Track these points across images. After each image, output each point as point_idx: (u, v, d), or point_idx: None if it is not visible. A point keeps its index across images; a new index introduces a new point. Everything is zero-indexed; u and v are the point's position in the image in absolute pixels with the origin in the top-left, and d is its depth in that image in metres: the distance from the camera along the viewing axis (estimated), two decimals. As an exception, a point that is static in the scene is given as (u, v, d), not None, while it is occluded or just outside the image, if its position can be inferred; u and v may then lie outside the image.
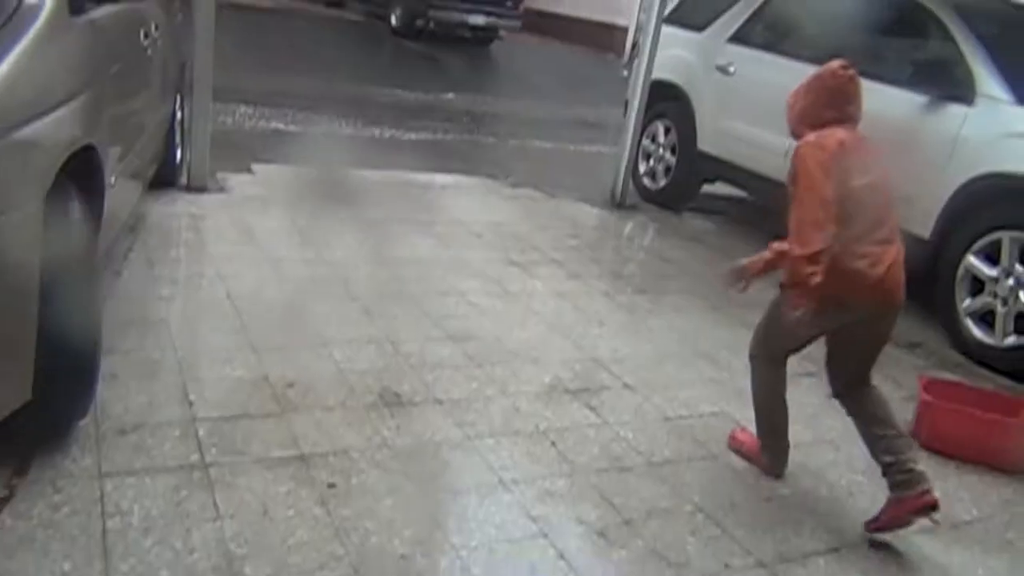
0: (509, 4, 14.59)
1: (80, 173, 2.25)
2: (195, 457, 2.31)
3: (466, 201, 5.50)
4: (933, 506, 2.41)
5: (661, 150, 6.21)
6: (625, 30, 17.26)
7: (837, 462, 2.90)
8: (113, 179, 2.67)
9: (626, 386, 3.21)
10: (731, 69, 5.60)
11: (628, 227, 5.72)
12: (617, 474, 2.60)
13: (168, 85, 4.06)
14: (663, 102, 6.04)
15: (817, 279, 2.31)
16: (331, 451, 2.45)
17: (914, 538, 2.52)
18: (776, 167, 5.15)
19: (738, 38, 5.69)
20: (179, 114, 4.66)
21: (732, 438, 2.89)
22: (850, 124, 2.51)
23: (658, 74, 5.85)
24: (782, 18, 5.59)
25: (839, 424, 3.15)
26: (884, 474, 2.48)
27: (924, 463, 2.91)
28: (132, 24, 3.13)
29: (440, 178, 5.91)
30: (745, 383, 3.34)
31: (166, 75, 3.94)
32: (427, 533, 2.17)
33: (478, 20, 14.21)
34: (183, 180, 4.68)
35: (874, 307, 2.50)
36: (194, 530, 2.03)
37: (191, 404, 2.56)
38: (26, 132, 1.91)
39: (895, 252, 2.46)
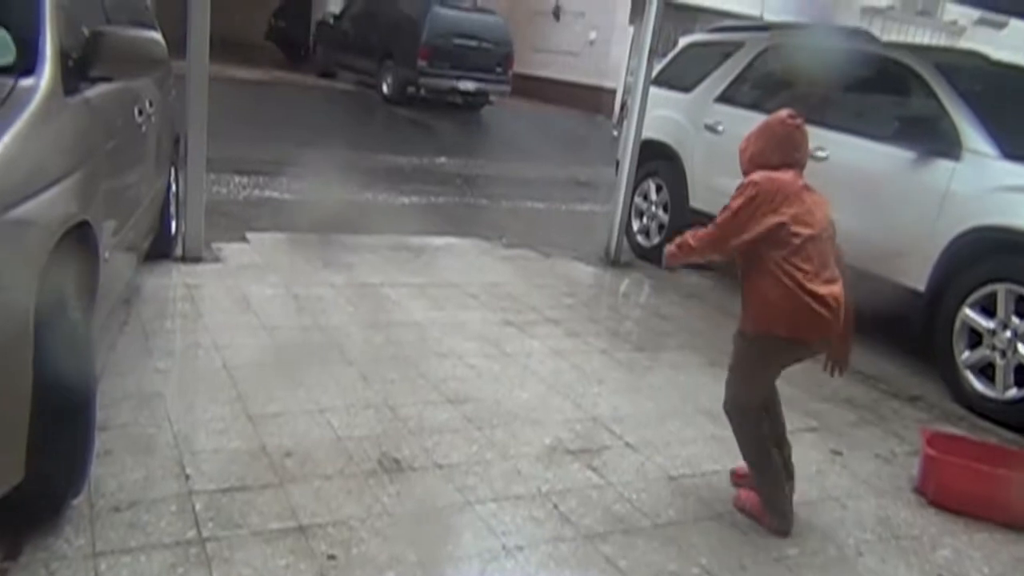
0: (499, 70, 14.89)
1: (75, 249, 2.26)
2: (192, 533, 2.26)
3: (461, 263, 5.52)
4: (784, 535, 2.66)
5: (653, 208, 6.27)
6: (613, 92, 17.64)
7: (844, 520, 2.85)
8: (107, 254, 2.67)
9: (628, 445, 3.17)
10: (720, 128, 5.70)
11: (624, 284, 5.74)
12: (622, 536, 2.55)
13: (162, 159, 4.11)
14: (654, 161, 6.12)
15: (692, 259, 2.78)
16: (330, 521, 2.41)
17: (928, 594, 2.47)
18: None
19: (725, 98, 5.80)
20: (174, 186, 4.70)
21: (737, 498, 2.85)
22: (797, 169, 2.66)
23: (648, 134, 5.94)
24: (767, 78, 5.71)
25: (845, 481, 3.13)
26: (760, 492, 2.72)
27: (932, 521, 2.90)
28: (126, 101, 3.18)
29: (434, 240, 5.95)
30: (747, 439, 3.33)
31: (160, 149, 3.99)
32: (430, 605, 2.12)
33: (468, 86, 14.49)
34: (178, 251, 4.69)
35: (827, 340, 2.66)
36: (191, 609, 1.98)
37: (187, 478, 2.52)
38: (22, 210, 1.92)
39: (839, 289, 2.60)
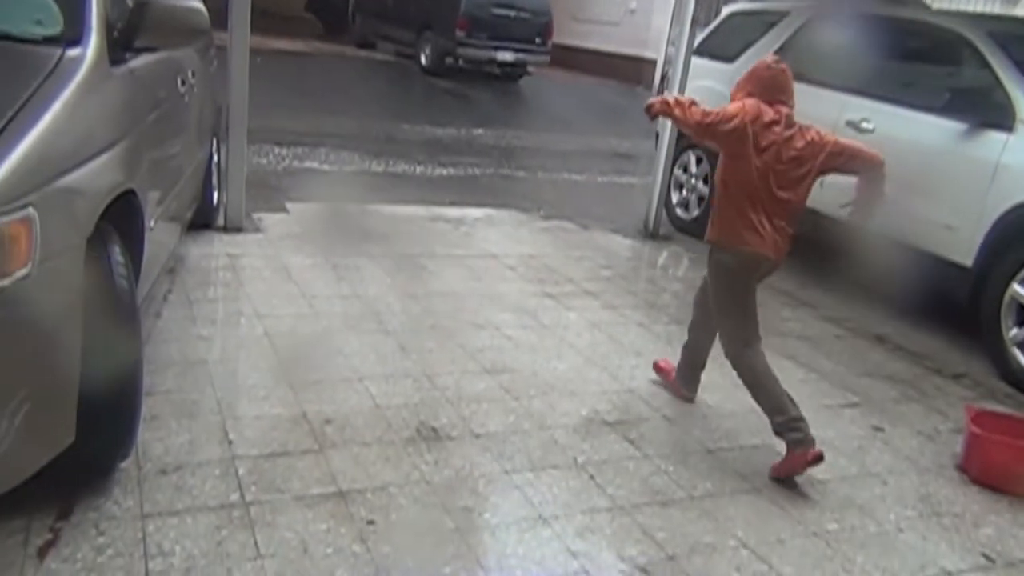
0: (538, 40, 14.74)
1: (120, 218, 2.30)
2: (235, 496, 2.31)
3: (498, 234, 5.52)
4: (820, 458, 2.75)
5: (693, 180, 6.19)
6: (653, 63, 17.38)
7: (885, 496, 2.82)
8: (152, 223, 2.72)
9: (665, 418, 3.17)
10: (762, 98, 5.59)
11: (662, 257, 5.69)
12: (659, 508, 2.55)
13: (204, 129, 4.15)
14: (694, 132, 6.03)
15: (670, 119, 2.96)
16: (369, 487, 2.45)
17: None
18: (810, 195, 5.12)
19: (769, 67, 5.67)
20: (215, 157, 4.75)
21: (774, 472, 2.83)
22: (785, 106, 2.89)
23: (688, 105, 5.85)
24: (814, 47, 5.58)
25: (886, 457, 3.09)
26: (777, 432, 2.84)
27: (975, 499, 2.86)
28: (169, 72, 3.21)
29: (472, 212, 5.95)
30: (787, 414, 3.30)
31: (202, 120, 4.03)
32: (467, 570, 2.15)
33: (507, 57, 14.37)
34: (220, 221, 4.76)
35: (770, 263, 2.95)
36: (235, 570, 2.03)
37: (231, 443, 2.57)
38: (69, 180, 1.95)
39: (788, 237, 2.95)
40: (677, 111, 2.87)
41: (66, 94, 2.08)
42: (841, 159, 2.93)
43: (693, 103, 2.90)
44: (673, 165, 6.10)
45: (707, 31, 6.43)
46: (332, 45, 16.73)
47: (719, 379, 3.58)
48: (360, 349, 3.39)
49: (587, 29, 19.11)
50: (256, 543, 2.13)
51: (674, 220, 6.31)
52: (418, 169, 7.46)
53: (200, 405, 2.78)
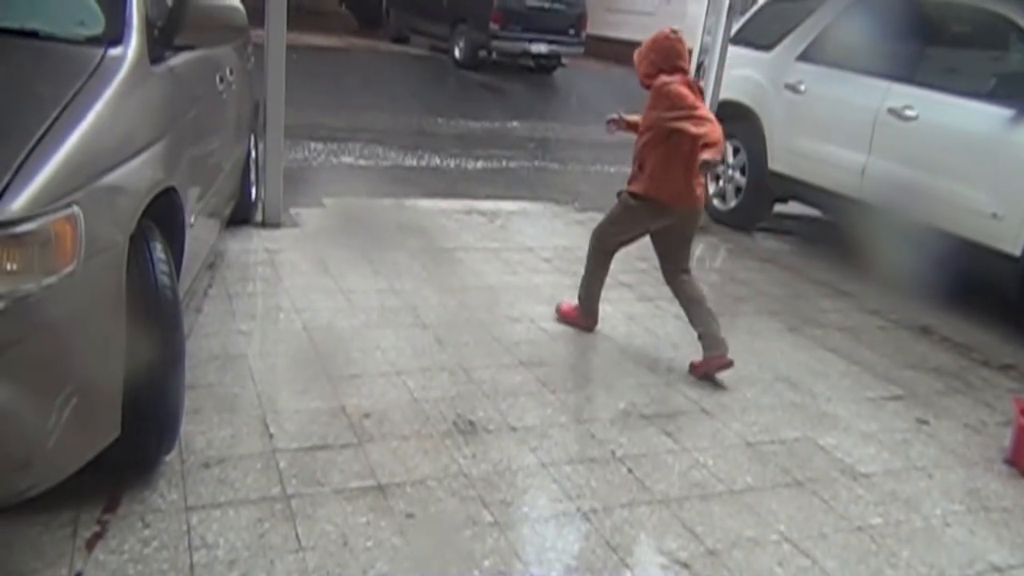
0: (572, 31, 14.69)
1: (162, 215, 2.33)
2: (276, 489, 2.34)
3: (533, 227, 5.51)
4: (730, 364, 3.36)
5: (731, 171, 6.12)
6: (689, 52, 17.23)
7: (931, 490, 2.77)
8: (193, 219, 2.75)
9: (703, 411, 3.14)
10: (802, 87, 5.50)
11: (698, 249, 5.63)
12: (698, 502, 2.53)
13: (243, 126, 4.19)
14: (731, 122, 5.94)
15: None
16: (408, 481, 2.46)
17: (1016, 572, 2.39)
18: (850, 184, 5.04)
19: (808, 56, 5.58)
20: (253, 153, 4.80)
21: (556, 311, 3.81)
22: (680, 75, 3.32)
23: (725, 94, 5.78)
24: (854, 34, 5.47)
25: (932, 451, 3.04)
26: (700, 338, 3.42)
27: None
28: (208, 70, 3.24)
29: (507, 205, 5.94)
30: (829, 407, 3.28)
31: (240, 116, 4.07)
32: (506, 563, 2.15)
33: (541, 48, 14.34)
34: (258, 217, 4.81)
35: (685, 213, 3.40)
36: (277, 562, 2.05)
37: (271, 436, 2.60)
38: (112, 178, 1.98)
39: (702, 179, 3.39)
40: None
41: (108, 93, 2.11)
42: None
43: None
44: (710, 155, 6.03)
45: (744, 19, 6.34)
46: (366, 40, 16.82)
47: (757, 372, 3.55)
48: (397, 343, 3.40)
49: (621, 19, 18.98)
50: (297, 536, 2.15)
51: (711, 211, 6.24)
52: (452, 163, 7.47)
53: (241, 399, 2.81)
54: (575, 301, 3.82)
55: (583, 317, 3.77)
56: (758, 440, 2.96)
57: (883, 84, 4.92)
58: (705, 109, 3.25)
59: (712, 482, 2.65)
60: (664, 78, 3.27)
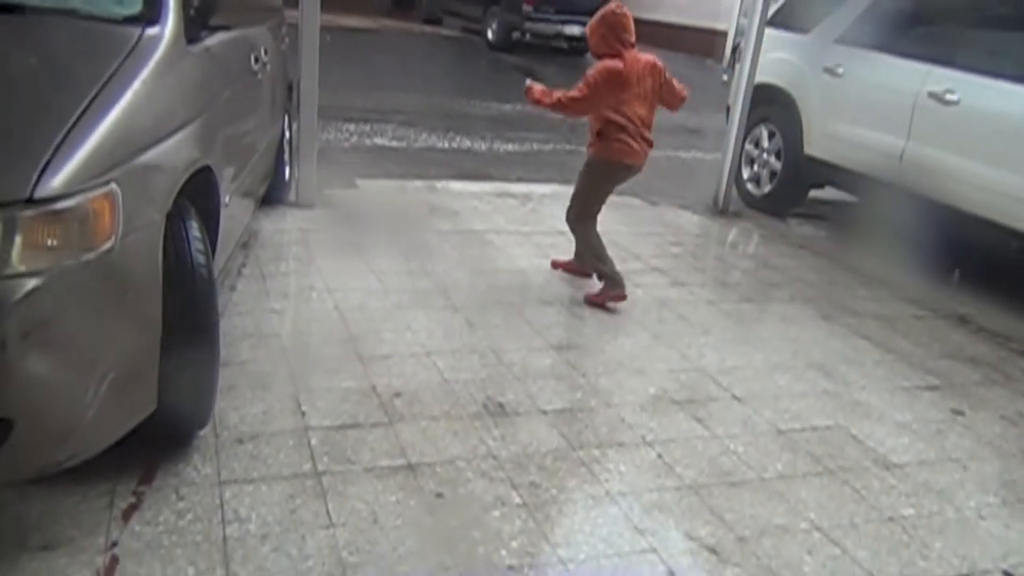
0: (605, 13, 14.54)
1: (197, 194, 2.35)
2: (308, 466, 2.37)
3: (565, 210, 5.47)
4: (623, 298, 3.84)
5: (765, 155, 6.04)
6: (724, 35, 16.97)
7: (965, 482, 2.73)
8: (227, 198, 2.78)
9: (735, 397, 3.12)
10: (840, 71, 5.41)
11: (732, 234, 5.58)
12: (728, 488, 2.52)
13: (277, 106, 4.22)
14: (767, 106, 5.88)
15: (562, 112, 3.83)
16: (438, 461, 2.47)
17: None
18: (888, 170, 4.95)
19: (847, 38, 5.48)
20: (287, 133, 4.83)
21: (587, 301, 3.86)
22: (630, 47, 3.67)
23: (762, 78, 5.70)
24: (894, 16, 5.36)
25: (967, 442, 2.99)
26: (598, 275, 3.89)
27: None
28: (243, 50, 3.26)
29: (539, 188, 5.92)
30: (862, 396, 3.24)
31: (275, 97, 4.09)
32: (534, 545, 2.16)
33: (574, 31, 14.22)
34: (292, 197, 4.84)
35: (637, 169, 3.86)
36: (308, 538, 2.08)
37: (303, 414, 2.63)
38: (149, 157, 2.00)
39: (650, 140, 3.82)
40: (564, 102, 3.68)
41: (145, 73, 2.13)
42: (673, 90, 3.89)
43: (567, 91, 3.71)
44: (744, 140, 5.96)
45: (782, 1, 6.23)
46: (399, 21, 16.82)
47: (790, 359, 3.52)
48: (428, 324, 3.42)
49: (656, 1, 18.77)
50: (328, 512, 2.18)
51: (744, 196, 6.18)
52: (484, 145, 7.46)
53: (274, 377, 2.85)
54: (597, 286, 3.92)
55: (613, 292, 3.85)
56: (789, 428, 2.94)
57: (924, 67, 4.82)
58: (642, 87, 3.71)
59: (742, 469, 2.64)
60: (607, 62, 3.64)
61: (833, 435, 2.92)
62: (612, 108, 3.66)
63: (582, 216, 3.95)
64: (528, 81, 3.85)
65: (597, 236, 3.93)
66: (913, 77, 4.85)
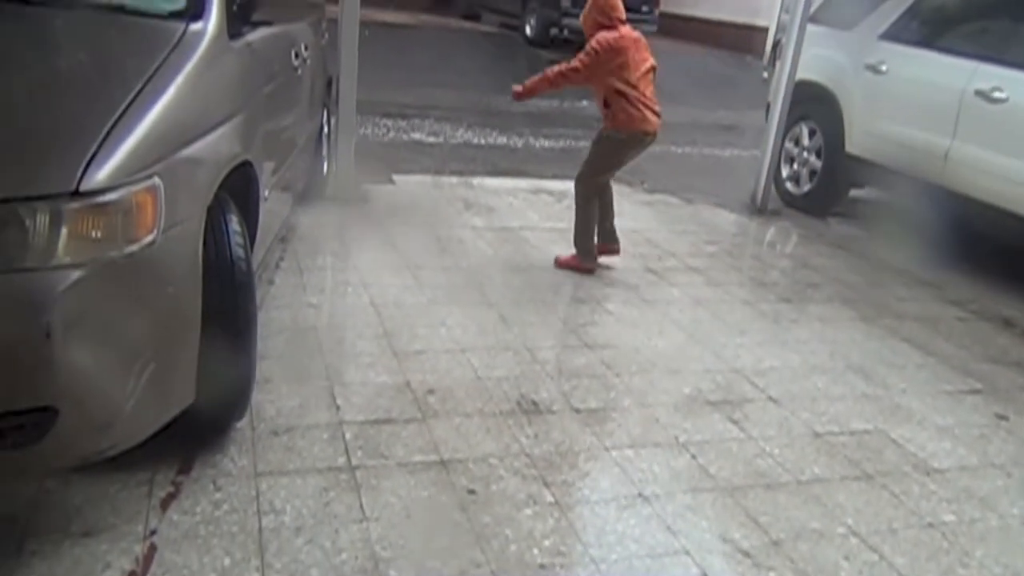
0: (645, 9, 14.41)
1: (237, 188, 2.38)
2: (342, 460, 2.38)
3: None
4: (592, 271, 4.18)
5: (805, 153, 5.96)
6: (765, 31, 16.77)
7: (1008, 489, 2.67)
8: (267, 193, 2.80)
9: (771, 399, 3.08)
10: (883, 68, 5.31)
11: (770, 233, 5.52)
12: (763, 491, 2.49)
13: (316, 101, 4.25)
14: (808, 103, 5.80)
15: (545, 92, 4.09)
16: (470, 457, 2.48)
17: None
18: (932, 169, 4.86)
19: (891, 35, 5.38)
20: (325, 128, 4.86)
21: (556, 261, 4.21)
22: (621, 23, 3.94)
23: (803, 74, 5.62)
24: (940, 12, 5.25)
25: (1010, 447, 2.93)
26: (575, 244, 4.18)
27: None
28: (284, 45, 3.29)
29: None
30: (903, 399, 3.19)
31: (314, 92, 4.12)
32: (566, 544, 2.15)
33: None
34: (329, 191, 4.88)
35: (653, 136, 4.03)
36: (342, 531, 2.09)
37: (338, 408, 2.65)
38: (191, 151, 2.03)
39: (655, 109, 4.01)
40: (552, 77, 3.95)
41: (189, 68, 2.15)
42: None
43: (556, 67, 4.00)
44: (784, 138, 5.88)
45: (824, -4, 6.14)
46: (437, 17, 16.84)
47: (828, 361, 3.47)
48: (462, 320, 3.42)
49: (696, -4, 18.59)
50: (362, 506, 2.19)
51: (783, 195, 6.10)
52: (520, 141, 7.45)
53: (310, 370, 2.87)
54: (571, 250, 4.24)
55: (584, 263, 4.18)
56: (827, 431, 2.89)
57: (970, 64, 4.71)
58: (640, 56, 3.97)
59: (778, 472, 2.61)
60: (603, 32, 3.91)
61: (872, 439, 2.87)
62: (615, 75, 3.86)
63: (590, 185, 4.13)
64: (514, 87, 4.08)
65: (595, 211, 4.14)
66: (959, 74, 4.75)
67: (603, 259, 4.26)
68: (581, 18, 4.04)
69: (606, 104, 3.97)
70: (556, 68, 3.95)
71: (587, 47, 3.89)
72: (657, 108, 3.99)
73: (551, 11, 13.91)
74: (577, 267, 4.18)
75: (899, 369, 3.47)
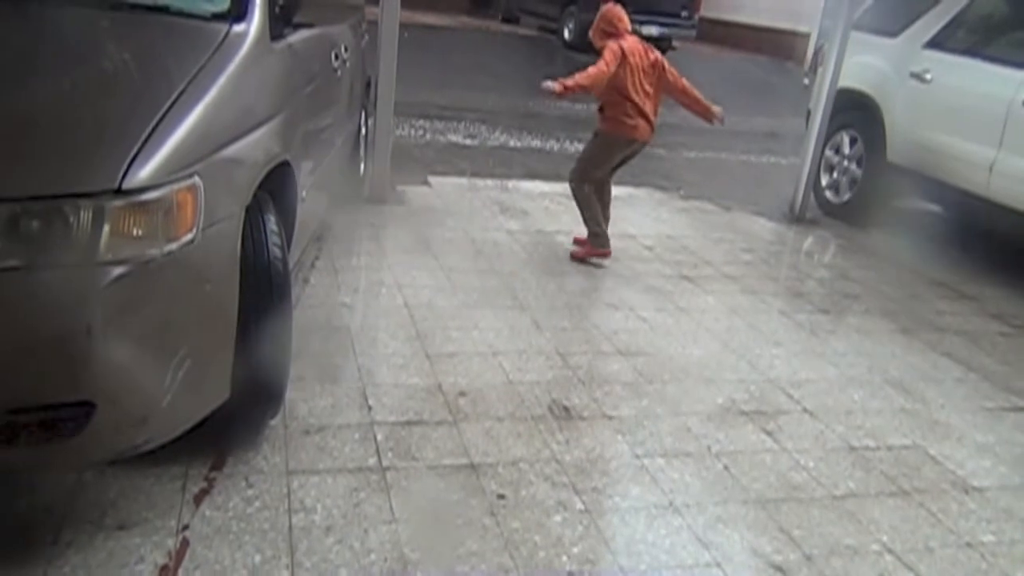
0: (684, 14, 14.36)
1: (275, 187, 2.40)
2: (373, 460, 2.39)
3: (636, 213, 5.43)
4: (608, 255, 4.34)
5: (846, 162, 5.87)
6: (807, 37, 16.60)
7: (1051, 509, 2.60)
8: (304, 193, 2.83)
9: (806, 411, 3.03)
10: (928, 76, 5.21)
11: (807, 242, 5.44)
12: (796, 505, 2.45)
13: (354, 103, 4.28)
14: (849, 112, 5.71)
15: (589, 88, 4.03)
16: (500, 462, 2.47)
17: None
18: (977, 181, 4.76)
19: (937, 43, 5.28)
20: (363, 129, 4.90)
21: (573, 256, 4.34)
22: (626, 34, 4.17)
23: (845, 82, 5.54)
24: (988, 20, 5.15)
25: (1054, 466, 2.85)
26: (589, 234, 4.34)
27: None
28: (324, 47, 3.32)
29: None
30: (942, 415, 3.13)
31: (353, 93, 4.15)
32: (595, 552, 2.14)
33: (652, 31, 14.06)
34: (365, 192, 4.91)
35: (643, 143, 4.25)
36: (371, 531, 2.10)
37: (370, 409, 2.66)
38: (231, 151, 2.05)
39: (655, 114, 4.25)
40: (584, 82, 3.95)
41: (231, 69, 2.18)
42: (670, 81, 4.25)
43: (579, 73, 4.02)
44: (824, 146, 5.80)
45: (868, 3, 6.04)
46: (477, 20, 16.91)
47: (866, 374, 3.41)
48: (495, 324, 3.42)
49: (737, 2, 18.47)
50: (391, 507, 2.20)
51: (822, 204, 6.01)
52: (557, 145, 7.44)
53: (343, 370, 2.89)
54: (585, 243, 4.40)
55: (598, 248, 4.32)
56: (863, 445, 2.84)
57: (1019, 74, 4.61)
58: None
59: (812, 485, 2.57)
60: (609, 41, 4.11)
61: (909, 454, 2.82)
62: (615, 82, 4.06)
63: (583, 180, 4.31)
64: (549, 85, 3.96)
65: (594, 199, 4.32)
66: (1007, 84, 4.64)
67: (593, 259, 4.37)
68: (591, 31, 4.26)
69: (601, 108, 4.22)
70: (588, 72, 4.00)
71: (605, 53, 4.07)
72: (652, 117, 4.19)
73: (590, 15, 13.83)
74: (591, 254, 4.33)
75: (938, 384, 3.40)
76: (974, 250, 4.64)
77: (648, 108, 4.17)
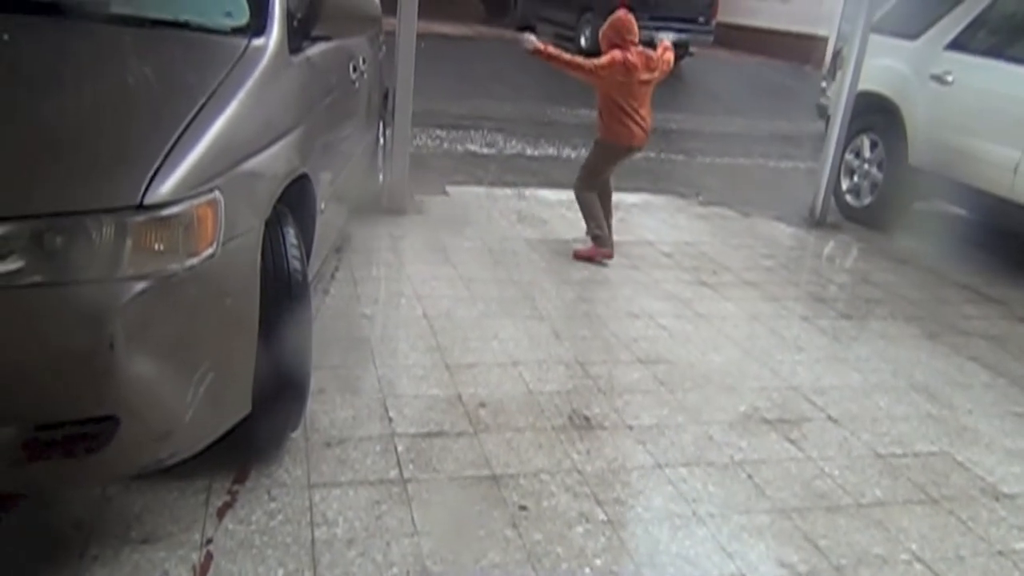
0: (701, 20, 14.32)
1: (295, 200, 2.41)
2: (394, 473, 2.39)
3: (655, 220, 5.42)
4: (611, 256, 4.45)
5: (867, 166, 5.82)
6: (825, 40, 16.49)
7: (1083, 516, 2.55)
8: (323, 205, 2.83)
9: (830, 418, 3.00)
10: (949, 78, 5.16)
11: (828, 247, 5.40)
12: (822, 514, 2.42)
13: (372, 114, 4.30)
14: (870, 115, 5.67)
15: (577, 73, 4.27)
16: (521, 473, 2.46)
17: None
18: (1001, 183, 4.70)
19: (958, 45, 5.23)
20: (381, 140, 4.91)
21: (576, 256, 4.44)
22: (633, 44, 4.28)
23: (865, 85, 5.50)
24: (1010, 21, 5.09)
25: (1086, 473, 2.80)
26: (590, 235, 4.50)
27: None
28: (342, 59, 3.33)
29: (628, 197, 5.84)
30: (969, 421, 3.10)
31: (371, 105, 4.17)
32: (618, 564, 2.12)
33: (669, 37, 14.02)
34: (384, 202, 4.92)
35: (638, 149, 4.45)
36: (393, 544, 2.09)
37: (391, 420, 2.66)
38: (251, 164, 2.06)
39: (650, 122, 4.42)
40: (567, 62, 4.20)
41: (251, 83, 2.19)
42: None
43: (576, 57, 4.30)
44: (845, 150, 5.76)
45: (888, 5, 6.00)
46: (493, 29, 16.97)
47: (891, 380, 3.37)
48: (515, 334, 3.41)
49: (754, 6, 18.40)
50: (413, 520, 2.19)
51: (843, 208, 5.97)
52: (574, 153, 7.42)
53: (363, 382, 2.89)
54: (589, 244, 4.52)
55: (601, 249, 4.44)
56: (890, 452, 2.81)
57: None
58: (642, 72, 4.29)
59: (838, 494, 2.53)
60: (616, 51, 4.23)
61: (937, 461, 2.78)
62: (615, 90, 4.23)
63: (585, 187, 4.49)
64: (529, 38, 4.30)
65: (597, 204, 4.47)
66: (1029, 86, 4.59)
67: (597, 258, 4.47)
68: (600, 36, 4.37)
69: (601, 115, 4.38)
70: (577, 57, 4.26)
71: (603, 58, 4.23)
72: (646, 124, 4.38)
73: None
74: (594, 255, 4.43)
75: (965, 389, 3.35)
76: (999, 252, 4.58)
77: (643, 114, 4.34)
